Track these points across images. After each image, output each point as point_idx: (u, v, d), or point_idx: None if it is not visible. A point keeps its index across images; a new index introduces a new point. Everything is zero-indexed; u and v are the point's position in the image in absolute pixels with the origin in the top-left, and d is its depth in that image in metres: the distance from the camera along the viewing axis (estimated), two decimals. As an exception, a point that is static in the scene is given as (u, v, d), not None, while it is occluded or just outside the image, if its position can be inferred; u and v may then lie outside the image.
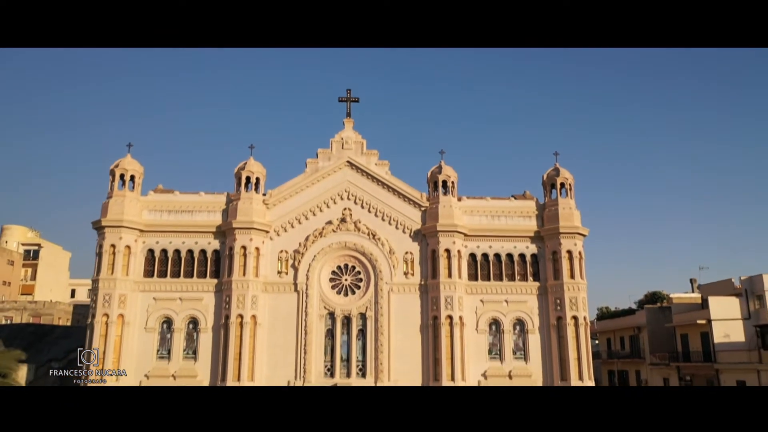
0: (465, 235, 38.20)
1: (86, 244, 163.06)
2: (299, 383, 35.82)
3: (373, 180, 39.48)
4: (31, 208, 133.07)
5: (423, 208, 39.16)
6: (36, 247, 75.23)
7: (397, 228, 38.86)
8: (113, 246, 36.56)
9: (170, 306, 36.87)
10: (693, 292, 55.05)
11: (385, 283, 37.70)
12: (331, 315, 37.57)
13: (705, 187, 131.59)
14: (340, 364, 36.81)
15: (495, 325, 37.78)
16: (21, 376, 34.40)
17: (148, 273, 37.47)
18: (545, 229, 38.55)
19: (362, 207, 39.06)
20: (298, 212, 38.79)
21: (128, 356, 35.55)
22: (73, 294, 78.07)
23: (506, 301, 37.91)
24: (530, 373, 36.88)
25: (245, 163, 39.06)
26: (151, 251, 37.74)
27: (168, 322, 36.86)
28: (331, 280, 38.32)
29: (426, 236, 38.47)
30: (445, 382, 35.44)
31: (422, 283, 37.86)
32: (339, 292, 38.12)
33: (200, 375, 35.94)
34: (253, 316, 36.25)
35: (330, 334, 37.43)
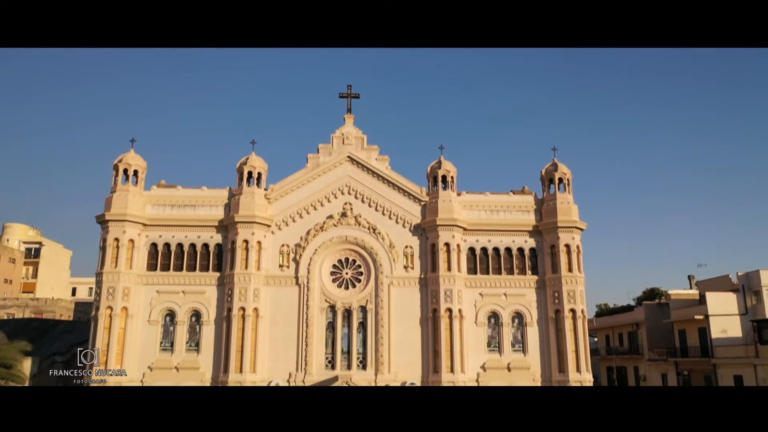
0: (464, 229, 38.65)
1: (87, 242, 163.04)
2: (300, 375, 36.32)
3: (373, 175, 39.95)
4: (32, 206, 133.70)
5: (423, 203, 39.61)
6: (37, 246, 75.67)
7: (397, 222, 39.32)
8: (117, 240, 37.02)
9: (173, 299, 37.33)
10: (691, 288, 55.48)
11: (386, 277, 38.15)
12: (332, 308, 38.01)
13: (703, 185, 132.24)
14: (340, 357, 37.24)
15: (494, 318, 38.21)
16: (26, 367, 34.75)
17: (152, 266, 37.91)
18: (543, 224, 38.99)
19: (363, 201, 39.52)
20: (299, 206, 39.25)
21: (132, 348, 36.01)
22: (73, 292, 78.41)
23: (505, 294, 38.34)
24: (529, 366, 37.30)
25: (247, 158, 39.54)
26: (154, 245, 38.18)
27: (171, 315, 37.31)
28: (332, 273, 38.76)
29: (426, 230, 38.93)
30: (445, 374, 35.88)
31: (422, 276, 38.30)
32: (340, 286, 38.56)
33: (203, 367, 36.36)
34: (255, 309, 36.68)
35: (331, 326, 37.87)
